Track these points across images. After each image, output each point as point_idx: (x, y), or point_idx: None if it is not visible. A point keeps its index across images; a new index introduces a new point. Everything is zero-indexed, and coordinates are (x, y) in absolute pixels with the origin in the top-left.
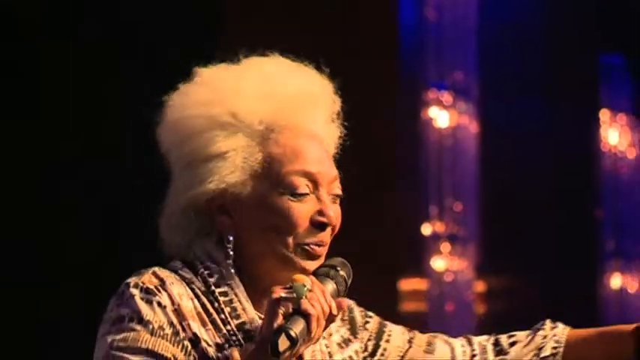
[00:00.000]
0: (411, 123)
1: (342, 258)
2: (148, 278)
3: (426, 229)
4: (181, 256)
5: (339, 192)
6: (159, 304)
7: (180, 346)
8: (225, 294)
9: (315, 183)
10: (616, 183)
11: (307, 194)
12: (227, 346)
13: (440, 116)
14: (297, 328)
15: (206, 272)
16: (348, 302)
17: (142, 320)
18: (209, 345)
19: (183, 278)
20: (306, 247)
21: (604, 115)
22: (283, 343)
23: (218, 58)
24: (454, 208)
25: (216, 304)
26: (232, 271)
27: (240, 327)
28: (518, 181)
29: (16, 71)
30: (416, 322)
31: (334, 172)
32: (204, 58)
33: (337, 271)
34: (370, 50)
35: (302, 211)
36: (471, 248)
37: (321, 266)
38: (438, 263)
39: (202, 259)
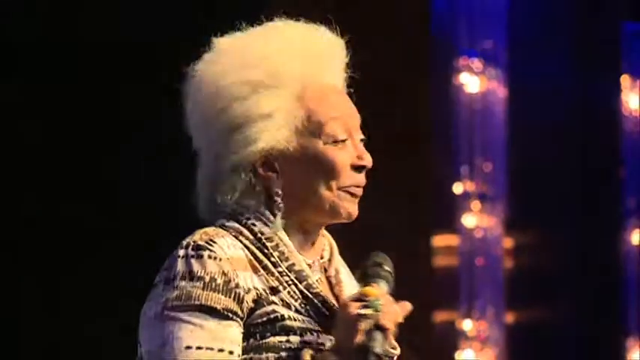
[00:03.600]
0: (444, 88)
1: (381, 253)
2: (198, 237)
3: (458, 188)
4: (223, 215)
5: (363, 137)
6: (209, 256)
7: (232, 295)
8: (270, 239)
9: (349, 130)
10: (637, 144)
11: (346, 140)
12: (281, 288)
13: (470, 82)
14: (380, 344)
15: (250, 222)
16: (408, 306)
17: (193, 277)
18: (263, 290)
19: (230, 231)
20: (349, 189)
21: (625, 80)
22: None
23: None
24: (484, 168)
25: (265, 250)
26: (278, 220)
27: (291, 268)
28: (544, 142)
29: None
30: (448, 276)
31: (358, 117)
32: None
33: (384, 267)
34: (405, 21)
35: (344, 156)
36: (499, 206)
37: (368, 266)
38: (468, 220)
39: (246, 214)
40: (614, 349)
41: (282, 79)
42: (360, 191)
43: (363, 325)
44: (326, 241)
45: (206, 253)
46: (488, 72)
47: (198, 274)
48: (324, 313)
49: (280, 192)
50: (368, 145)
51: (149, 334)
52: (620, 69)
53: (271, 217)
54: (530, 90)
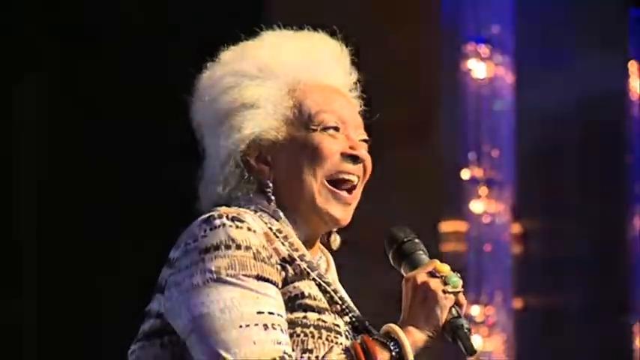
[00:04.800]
0: (451, 74)
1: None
2: (226, 210)
3: (465, 174)
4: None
5: (366, 137)
6: (248, 228)
7: (275, 269)
8: (280, 231)
9: (344, 124)
10: None
11: (337, 129)
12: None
13: (478, 68)
14: (465, 320)
15: (257, 215)
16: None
17: (240, 246)
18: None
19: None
20: (336, 181)
21: (632, 65)
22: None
23: None
24: (491, 153)
25: (278, 238)
26: (281, 213)
27: (302, 258)
28: (552, 127)
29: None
30: (456, 262)
31: (359, 119)
32: None
33: (414, 240)
34: (412, 7)
35: (332, 143)
36: (507, 192)
37: (400, 243)
38: (476, 206)
39: (248, 205)
40: (621, 335)
41: (272, 71)
42: (350, 182)
43: (449, 302)
44: (323, 255)
45: (245, 225)
46: (495, 58)
47: (245, 243)
48: (336, 301)
49: (271, 184)
50: (376, 131)
51: (200, 300)
52: (627, 55)
53: (273, 207)
54: (537, 76)
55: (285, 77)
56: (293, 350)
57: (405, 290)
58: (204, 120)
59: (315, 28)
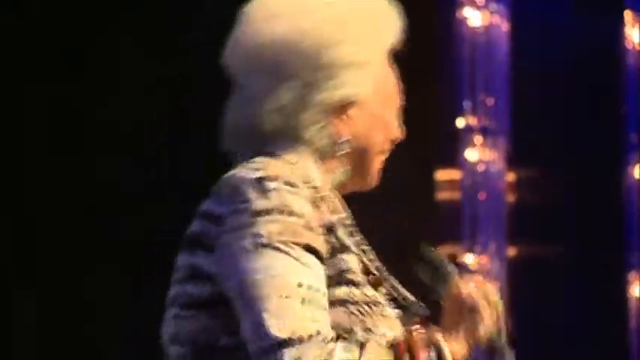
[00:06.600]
0: (446, 22)
1: None
2: (277, 171)
3: (460, 123)
4: (271, 149)
5: None
6: (302, 195)
7: (323, 241)
8: (323, 199)
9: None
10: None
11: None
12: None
13: (473, 16)
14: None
15: (307, 173)
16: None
17: (293, 213)
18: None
19: (296, 174)
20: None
21: (627, 15)
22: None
23: None
24: (486, 102)
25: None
26: (337, 173)
27: (341, 221)
28: (547, 77)
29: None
30: (450, 211)
31: None
32: None
33: (445, 262)
34: None
35: (396, 131)
36: (502, 140)
37: (439, 265)
38: (471, 154)
39: (301, 159)
40: (615, 284)
41: (381, 36)
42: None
43: (491, 322)
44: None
45: (299, 191)
46: (490, 6)
47: (299, 211)
48: (371, 272)
49: (346, 138)
50: None
51: (249, 265)
52: (622, 4)
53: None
54: (533, 24)
55: (384, 43)
56: (352, 330)
57: (450, 304)
58: (282, 58)
59: None
